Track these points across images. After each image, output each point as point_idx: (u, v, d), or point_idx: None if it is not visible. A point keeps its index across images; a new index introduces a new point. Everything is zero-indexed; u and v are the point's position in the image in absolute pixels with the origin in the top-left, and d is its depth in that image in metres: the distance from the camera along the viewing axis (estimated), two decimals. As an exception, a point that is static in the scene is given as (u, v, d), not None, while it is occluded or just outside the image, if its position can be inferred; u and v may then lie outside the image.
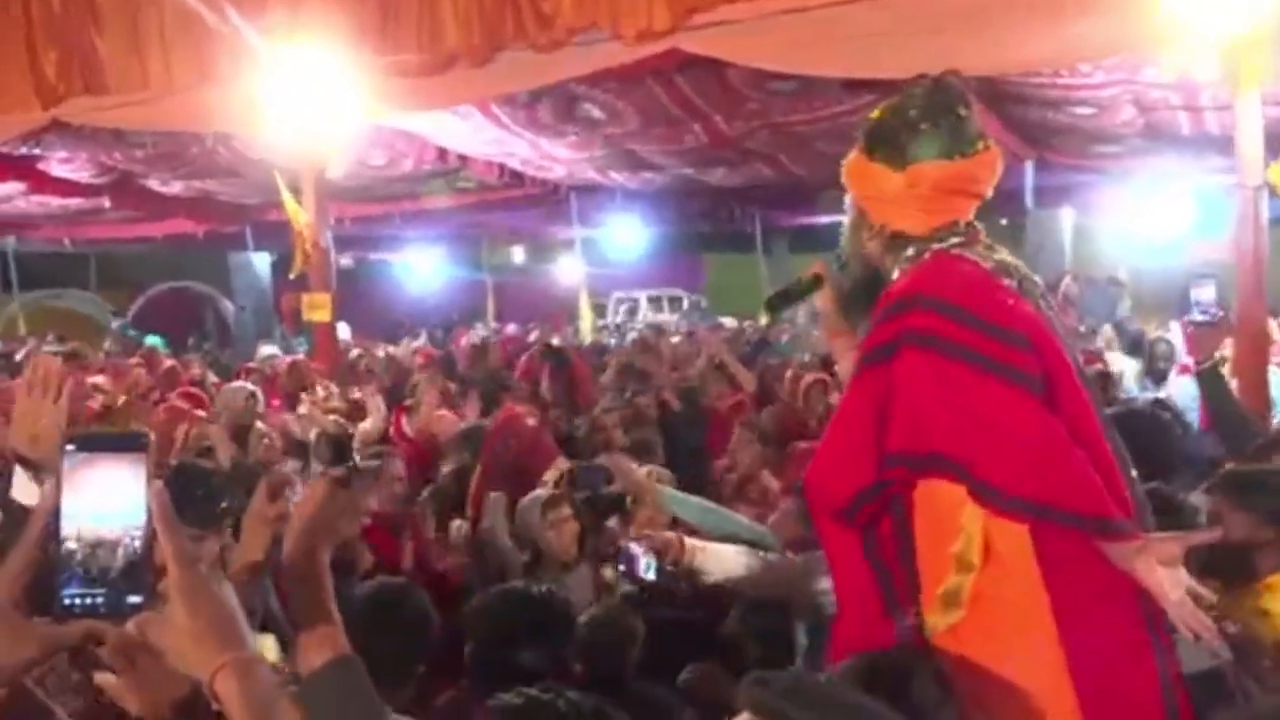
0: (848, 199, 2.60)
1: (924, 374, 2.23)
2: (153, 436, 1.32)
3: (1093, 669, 2.13)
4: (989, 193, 2.48)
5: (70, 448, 1.30)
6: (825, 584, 3.27)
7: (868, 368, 2.33)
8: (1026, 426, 2.16)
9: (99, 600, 1.26)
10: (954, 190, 2.42)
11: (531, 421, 5.99)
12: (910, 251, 2.43)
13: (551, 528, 4.53)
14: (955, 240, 2.41)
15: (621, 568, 3.43)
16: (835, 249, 2.68)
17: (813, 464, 2.42)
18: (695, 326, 16.94)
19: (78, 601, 1.26)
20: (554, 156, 11.19)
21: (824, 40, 6.56)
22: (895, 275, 2.44)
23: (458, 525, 5.34)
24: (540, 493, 4.76)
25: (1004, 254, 2.44)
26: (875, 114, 2.53)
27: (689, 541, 3.40)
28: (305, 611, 1.50)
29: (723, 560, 3.41)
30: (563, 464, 5.42)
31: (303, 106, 7.39)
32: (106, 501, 1.28)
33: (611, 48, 6.70)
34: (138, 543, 1.28)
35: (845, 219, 2.61)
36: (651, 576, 3.36)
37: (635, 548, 3.36)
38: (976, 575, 2.20)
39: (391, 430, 7.19)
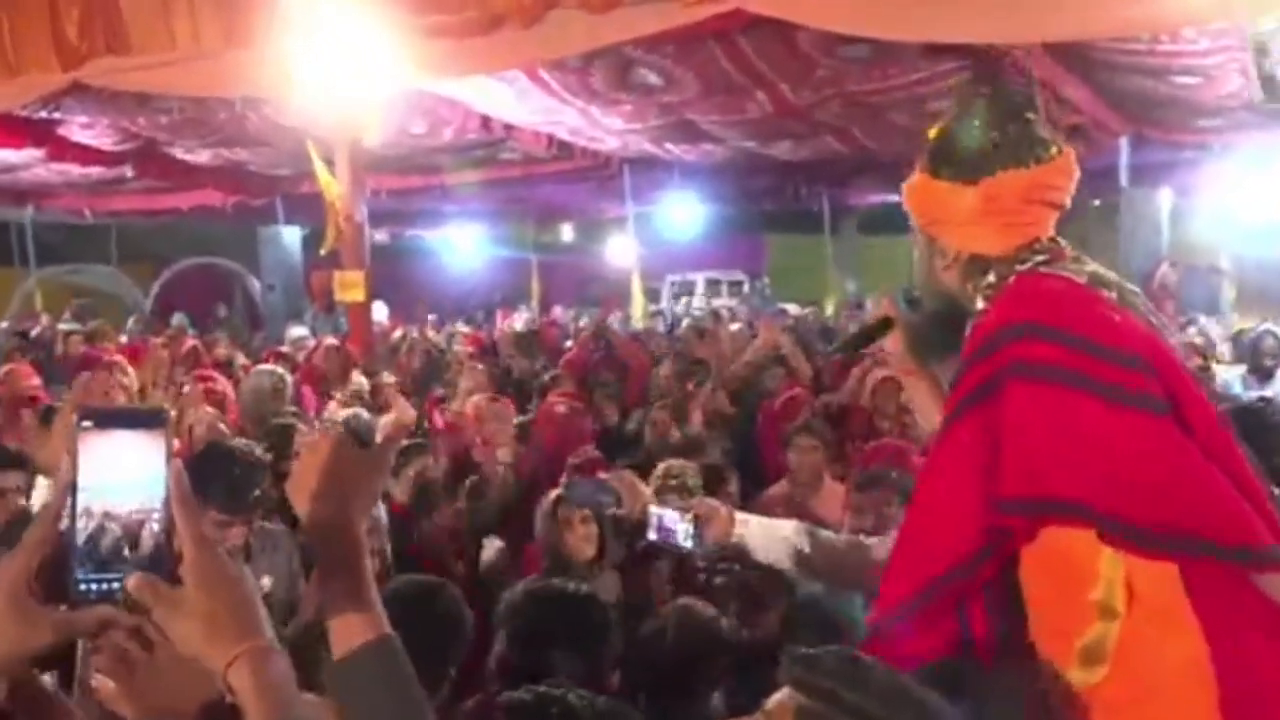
0: (913, 228, 2.56)
1: (1035, 407, 2.14)
2: (173, 414, 1.33)
3: (1250, 714, 2.07)
4: (1067, 202, 2.44)
5: (86, 424, 1.30)
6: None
7: (964, 412, 2.22)
8: (1157, 454, 2.08)
9: (115, 585, 1.28)
10: (1033, 200, 2.39)
11: (562, 409, 5.99)
12: (991, 278, 2.38)
13: (565, 527, 4.37)
14: (1039, 259, 2.35)
15: (653, 536, 3.33)
16: (907, 233, 2.64)
17: (904, 528, 2.33)
18: (755, 313, 16.86)
19: (94, 586, 1.27)
20: (606, 127, 11.18)
21: (902, 1, 6.50)
22: (979, 305, 2.38)
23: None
24: (554, 491, 4.65)
25: (1095, 265, 2.39)
26: (933, 132, 2.50)
27: (739, 516, 3.28)
28: (338, 587, 1.49)
29: (774, 535, 3.29)
30: (587, 452, 5.41)
31: (337, 70, 7.41)
32: (124, 480, 1.29)
33: (670, 7, 6.67)
34: (157, 525, 1.29)
35: (914, 252, 2.57)
36: (690, 545, 3.24)
37: (670, 515, 3.25)
38: (1121, 623, 2.12)
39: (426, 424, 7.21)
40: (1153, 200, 14.00)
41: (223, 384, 7.59)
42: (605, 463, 5.46)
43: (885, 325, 2.71)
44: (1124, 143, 11.98)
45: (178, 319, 15.70)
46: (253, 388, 7.16)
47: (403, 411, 6.78)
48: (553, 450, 5.68)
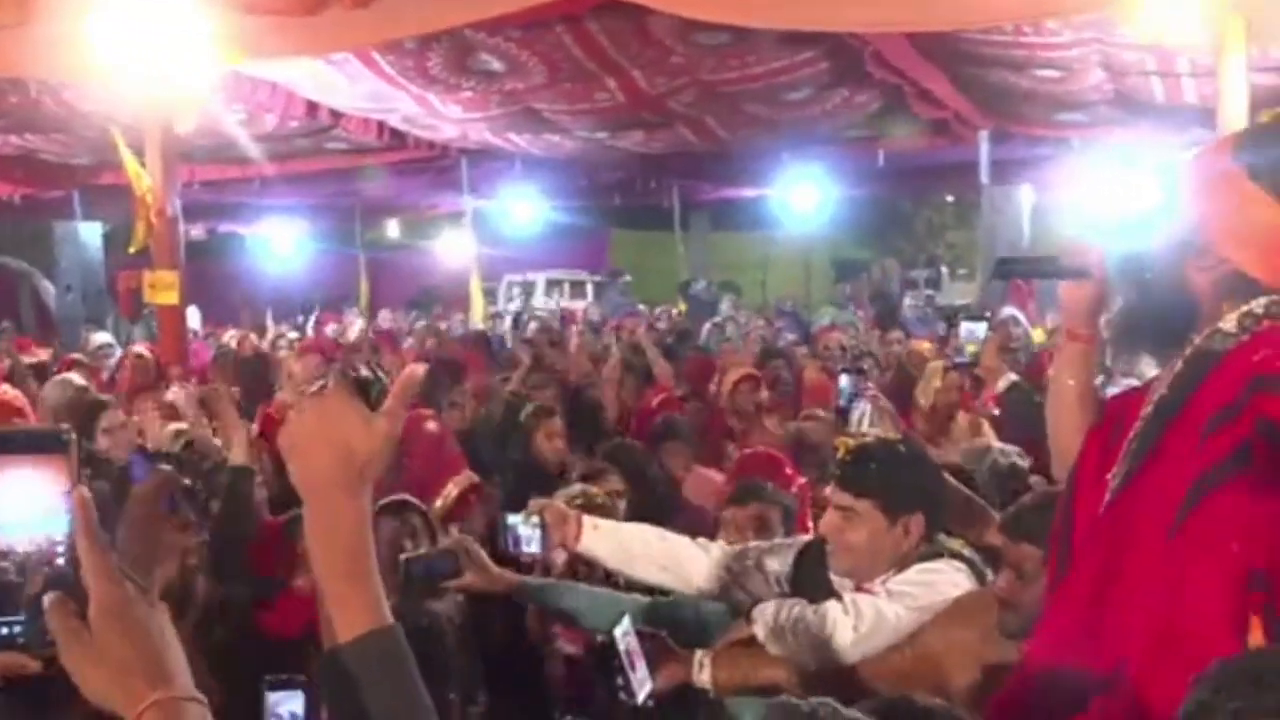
0: (1175, 210, 2.30)
1: None
2: (74, 435, 1.29)
3: None
4: None
5: None
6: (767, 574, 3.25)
7: (1221, 482, 1.97)
8: None
9: (17, 629, 1.24)
10: None
11: (432, 426, 5.82)
12: (1258, 308, 2.14)
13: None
14: None
15: (504, 545, 3.43)
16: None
17: (1149, 619, 2.04)
18: (612, 318, 16.91)
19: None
20: (443, 115, 11.12)
21: (762, -15, 6.62)
22: (1228, 328, 2.16)
23: None
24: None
25: None
26: (1267, 116, 2.34)
27: (589, 521, 3.35)
28: (335, 565, 1.43)
29: (624, 543, 3.33)
30: (468, 478, 5.34)
31: (147, 49, 7.23)
32: (22, 512, 1.25)
33: (515, -12, 6.69)
34: (61, 560, 1.25)
35: (1162, 230, 2.30)
36: (534, 550, 3.37)
37: (521, 525, 3.35)
38: None
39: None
40: (1013, 197, 14.48)
41: (14, 395, 7.29)
42: (484, 491, 5.41)
43: (1079, 273, 2.49)
44: (984, 137, 12.35)
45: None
46: (54, 402, 6.92)
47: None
48: (425, 472, 5.52)
